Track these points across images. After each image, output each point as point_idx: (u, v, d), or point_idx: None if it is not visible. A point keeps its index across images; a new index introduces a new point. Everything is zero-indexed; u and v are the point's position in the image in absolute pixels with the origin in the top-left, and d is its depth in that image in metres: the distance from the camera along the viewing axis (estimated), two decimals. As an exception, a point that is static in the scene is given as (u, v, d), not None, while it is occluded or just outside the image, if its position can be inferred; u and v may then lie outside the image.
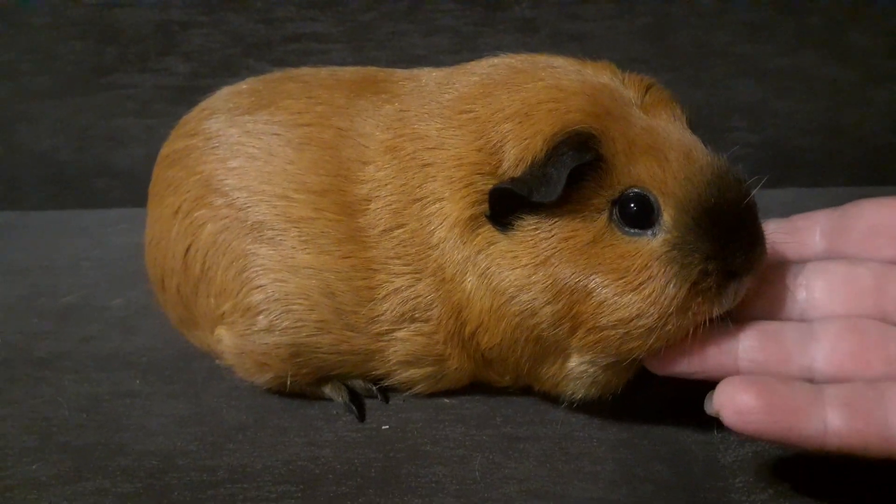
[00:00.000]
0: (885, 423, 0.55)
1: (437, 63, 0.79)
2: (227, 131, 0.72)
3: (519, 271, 0.62)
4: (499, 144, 0.62)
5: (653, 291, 0.60)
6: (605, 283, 0.60)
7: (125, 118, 1.12)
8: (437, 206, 0.64)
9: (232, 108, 0.73)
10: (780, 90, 1.06)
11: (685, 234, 0.60)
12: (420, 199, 0.65)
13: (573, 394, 0.68)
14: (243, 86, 0.77)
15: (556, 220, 0.61)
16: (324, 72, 0.76)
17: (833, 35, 1.04)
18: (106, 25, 1.09)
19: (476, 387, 0.73)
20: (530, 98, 0.63)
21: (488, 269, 0.63)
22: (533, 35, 1.03)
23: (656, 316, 0.60)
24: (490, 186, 0.62)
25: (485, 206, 0.62)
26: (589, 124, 0.60)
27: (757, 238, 0.62)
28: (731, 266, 0.60)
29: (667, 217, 0.61)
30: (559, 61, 0.67)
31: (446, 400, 0.74)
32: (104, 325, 0.87)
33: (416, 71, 0.74)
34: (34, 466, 0.70)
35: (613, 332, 0.61)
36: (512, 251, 0.62)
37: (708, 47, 1.04)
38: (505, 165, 0.62)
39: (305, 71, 0.77)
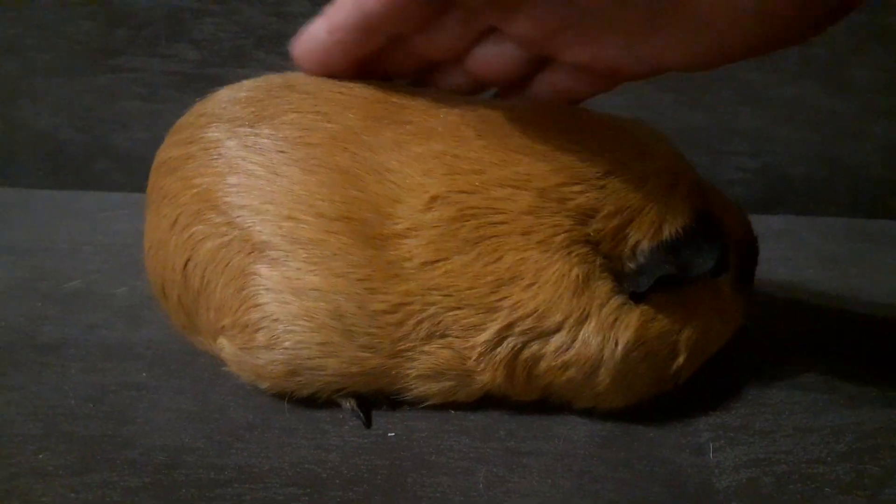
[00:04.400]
0: None
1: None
2: (227, 143, 0.70)
3: (657, 326, 0.70)
4: (604, 215, 0.68)
5: (731, 318, 0.75)
6: (714, 321, 0.73)
7: (130, 101, 1.12)
8: (521, 256, 0.68)
9: (232, 118, 0.71)
10: (780, 118, 1.09)
11: (741, 270, 0.74)
12: (495, 251, 0.68)
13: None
14: (241, 93, 0.73)
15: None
16: (328, 83, 0.72)
17: (835, 68, 1.06)
18: (116, 7, 1.08)
19: (479, 398, 0.74)
20: (637, 168, 0.68)
21: (615, 321, 0.69)
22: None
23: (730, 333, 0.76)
24: (586, 250, 0.68)
25: (589, 267, 0.68)
26: (706, 206, 0.70)
27: None
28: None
29: (732, 258, 0.73)
30: (617, 118, 0.72)
31: (451, 410, 0.75)
32: (109, 314, 0.86)
33: (432, 107, 0.71)
34: (40, 456, 0.70)
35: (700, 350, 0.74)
36: (649, 310, 0.69)
37: (712, 72, 1.05)
38: (627, 244, 0.68)
39: (307, 80, 0.73)
